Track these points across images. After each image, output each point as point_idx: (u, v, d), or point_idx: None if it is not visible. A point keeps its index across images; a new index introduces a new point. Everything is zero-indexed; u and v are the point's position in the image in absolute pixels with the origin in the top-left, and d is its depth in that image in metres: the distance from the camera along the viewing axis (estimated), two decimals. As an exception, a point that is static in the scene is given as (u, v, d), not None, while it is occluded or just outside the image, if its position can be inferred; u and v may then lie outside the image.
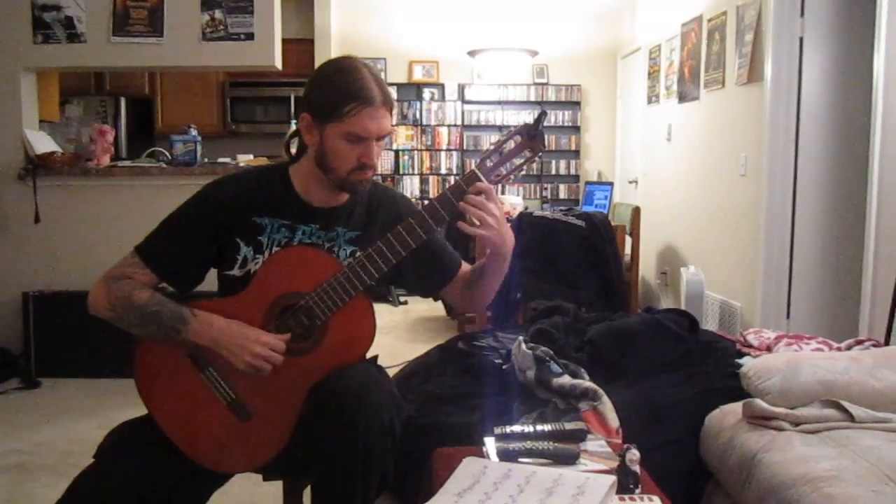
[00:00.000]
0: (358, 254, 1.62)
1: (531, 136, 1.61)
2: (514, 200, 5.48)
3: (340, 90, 1.57)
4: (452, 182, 1.61)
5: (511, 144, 1.62)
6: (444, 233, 5.11)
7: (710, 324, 4.72)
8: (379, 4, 7.16)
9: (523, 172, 1.66)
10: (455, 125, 7.40)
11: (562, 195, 7.47)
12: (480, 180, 1.59)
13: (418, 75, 7.35)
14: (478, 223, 1.57)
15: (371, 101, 1.57)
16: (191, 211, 1.68)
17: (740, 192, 4.40)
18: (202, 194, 1.69)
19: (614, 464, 1.58)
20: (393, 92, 7.27)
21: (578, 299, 4.13)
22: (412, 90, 7.38)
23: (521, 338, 2.50)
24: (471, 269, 1.80)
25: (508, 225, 1.65)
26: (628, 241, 5.04)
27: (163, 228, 1.68)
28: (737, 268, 4.48)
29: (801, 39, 3.93)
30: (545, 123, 1.64)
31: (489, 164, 1.60)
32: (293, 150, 1.75)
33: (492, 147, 1.62)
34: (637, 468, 1.52)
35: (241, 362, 1.53)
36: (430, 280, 1.82)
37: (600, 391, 2.16)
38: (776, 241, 4.07)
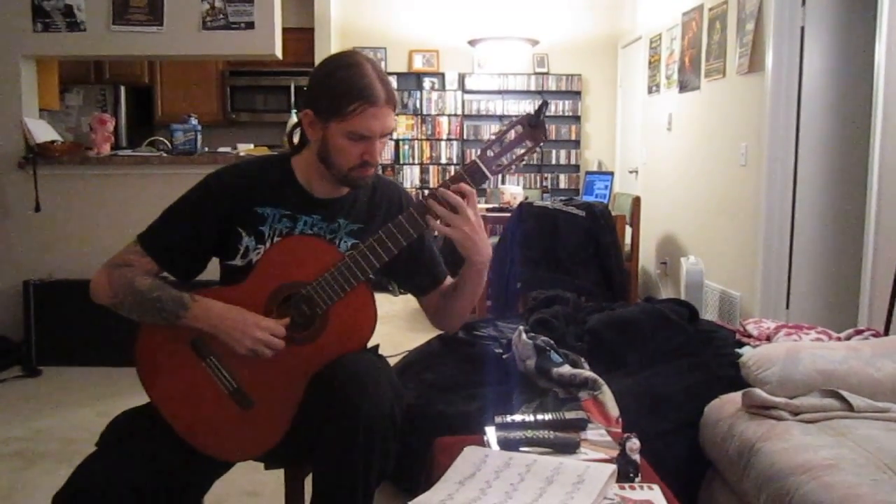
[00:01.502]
0: (359, 244, 1.62)
1: (532, 126, 1.61)
2: (514, 190, 5.48)
3: (344, 88, 1.55)
4: (453, 172, 1.61)
5: (512, 135, 1.62)
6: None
7: (709, 313, 4.73)
8: (379, -7, 7.14)
9: (524, 162, 1.66)
10: (455, 115, 7.38)
11: (562, 185, 7.46)
12: (482, 170, 1.59)
13: (418, 64, 7.33)
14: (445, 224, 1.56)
15: (375, 100, 1.55)
16: (193, 200, 1.68)
17: (740, 182, 4.40)
18: (204, 184, 1.69)
19: (614, 452, 1.59)
20: (393, 81, 7.20)
21: (578, 289, 4.13)
22: (412, 79, 7.36)
23: (521, 327, 2.51)
24: (451, 282, 1.80)
25: (486, 237, 1.64)
26: (628, 230, 5.04)
27: (164, 218, 1.68)
28: (737, 257, 4.48)
29: (802, 29, 3.92)
30: (545, 113, 1.63)
31: (490, 154, 1.60)
32: (296, 140, 1.75)
33: (493, 137, 1.62)
34: (637, 457, 1.53)
35: (242, 347, 1.53)
36: (420, 281, 1.83)
37: (600, 380, 2.16)
38: (776, 231, 4.07)
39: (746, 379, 2.08)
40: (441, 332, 1.87)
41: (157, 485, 1.52)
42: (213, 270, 1.74)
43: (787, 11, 3.92)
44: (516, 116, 1.63)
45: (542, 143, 1.65)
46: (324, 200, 1.69)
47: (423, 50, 7.32)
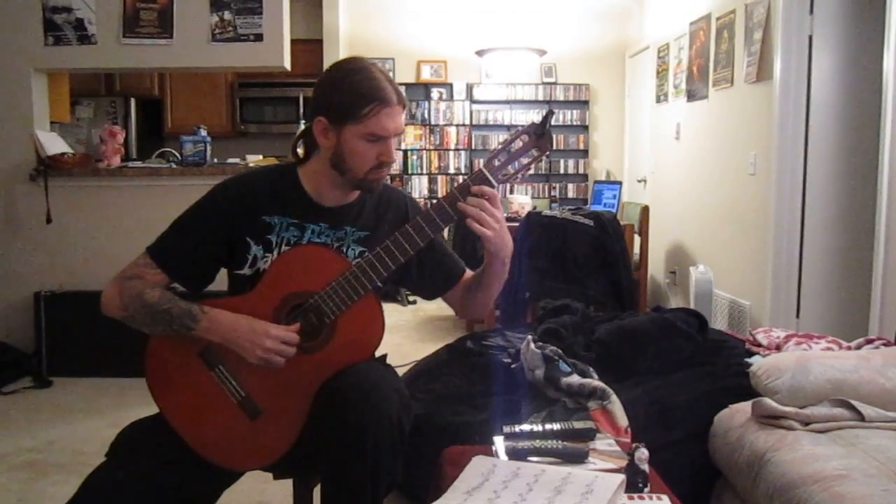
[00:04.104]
0: (367, 253, 1.63)
1: (538, 135, 1.61)
2: (522, 200, 5.48)
3: (357, 92, 1.58)
4: (461, 181, 1.62)
5: (518, 143, 1.62)
6: (453, 232, 5.12)
7: (719, 323, 4.71)
8: (387, 4, 7.17)
9: (531, 172, 1.66)
10: (463, 125, 7.40)
11: (570, 194, 7.46)
12: (488, 179, 1.59)
13: (426, 75, 7.36)
14: (477, 223, 1.58)
15: (388, 100, 1.59)
16: (200, 212, 1.69)
17: (749, 191, 4.39)
18: (211, 195, 1.70)
19: (623, 462, 1.59)
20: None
21: (587, 298, 4.13)
22: (420, 90, 7.39)
23: (529, 337, 2.51)
24: (472, 275, 1.82)
25: (508, 231, 1.65)
26: (637, 240, 5.03)
27: (173, 230, 1.70)
28: (746, 267, 4.47)
29: (811, 37, 3.92)
30: (553, 122, 1.64)
31: (496, 163, 1.61)
32: (300, 152, 1.76)
33: (499, 146, 1.63)
34: (646, 467, 1.52)
35: (253, 356, 1.54)
36: (435, 283, 1.83)
37: (609, 390, 2.16)
38: (785, 240, 4.05)
39: (756, 388, 2.07)
40: (468, 317, 1.92)
41: (167, 495, 1.52)
42: (220, 281, 1.75)
43: (794, 20, 3.92)
44: (524, 126, 1.64)
45: (548, 153, 1.66)
46: (331, 208, 1.70)
47: (431, 60, 7.35)
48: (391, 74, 6.28)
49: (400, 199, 1.81)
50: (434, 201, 1.63)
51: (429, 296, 1.88)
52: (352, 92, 1.58)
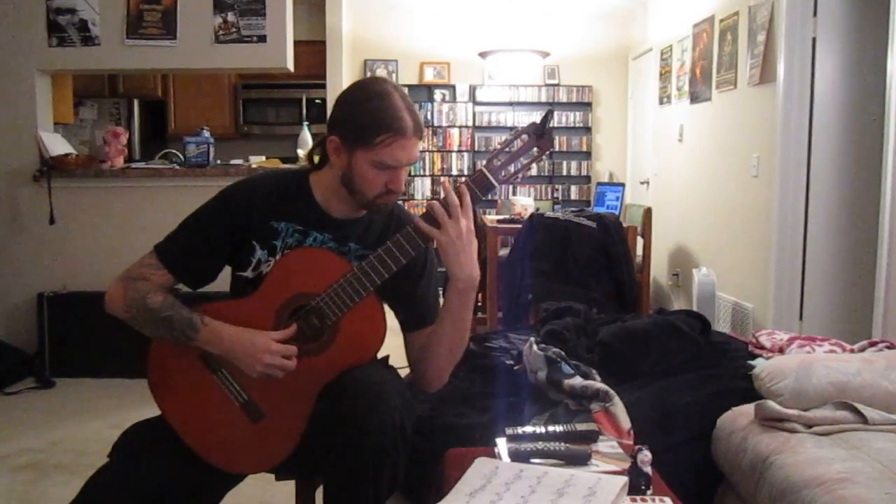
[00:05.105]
0: (369, 255, 1.62)
1: (538, 134, 1.62)
2: (525, 201, 5.47)
3: (373, 119, 1.56)
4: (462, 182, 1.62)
5: (518, 143, 1.62)
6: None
7: (722, 325, 4.70)
8: (390, 6, 7.18)
9: (531, 171, 1.66)
10: (466, 126, 7.40)
11: (573, 196, 7.45)
12: (489, 180, 1.59)
13: (429, 76, 7.36)
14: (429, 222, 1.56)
15: (403, 131, 1.56)
16: (210, 213, 1.69)
17: (752, 193, 4.38)
18: (221, 197, 1.70)
19: (626, 465, 1.58)
20: (404, 93, 7.27)
21: (590, 300, 4.12)
22: (423, 91, 7.39)
23: (532, 339, 2.50)
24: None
25: (475, 257, 1.59)
26: (640, 242, 5.02)
27: (182, 229, 1.70)
28: (749, 269, 4.46)
29: (814, 39, 3.91)
30: (554, 123, 1.65)
31: (497, 163, 1.61)
32: (316, 158, 1.75)
33: (499, 146, 1.62)
34: (648, 469, 1.52)
35: (253, 371, 1.55)
36: (407, 312, 1.77)
37: (612, 392, 2.15)
38: (789, 242, 4.05)
39: (759, 391, 2.07)
40: (418, 377, 1.75)
41: (169, 497, 1.52)
42: (222, 282, 1.75)
43: (798, 22, 3.91)
44: (523, 126, 1.64)
45: (548, 152, 1.66)
46: (339, 220, 1.70)
47: (434, 62, 7.35)
48: (394, 77, 6.24)
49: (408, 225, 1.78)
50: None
51: (401, 323, 1.78)
52: (368, 117, 1.56)
